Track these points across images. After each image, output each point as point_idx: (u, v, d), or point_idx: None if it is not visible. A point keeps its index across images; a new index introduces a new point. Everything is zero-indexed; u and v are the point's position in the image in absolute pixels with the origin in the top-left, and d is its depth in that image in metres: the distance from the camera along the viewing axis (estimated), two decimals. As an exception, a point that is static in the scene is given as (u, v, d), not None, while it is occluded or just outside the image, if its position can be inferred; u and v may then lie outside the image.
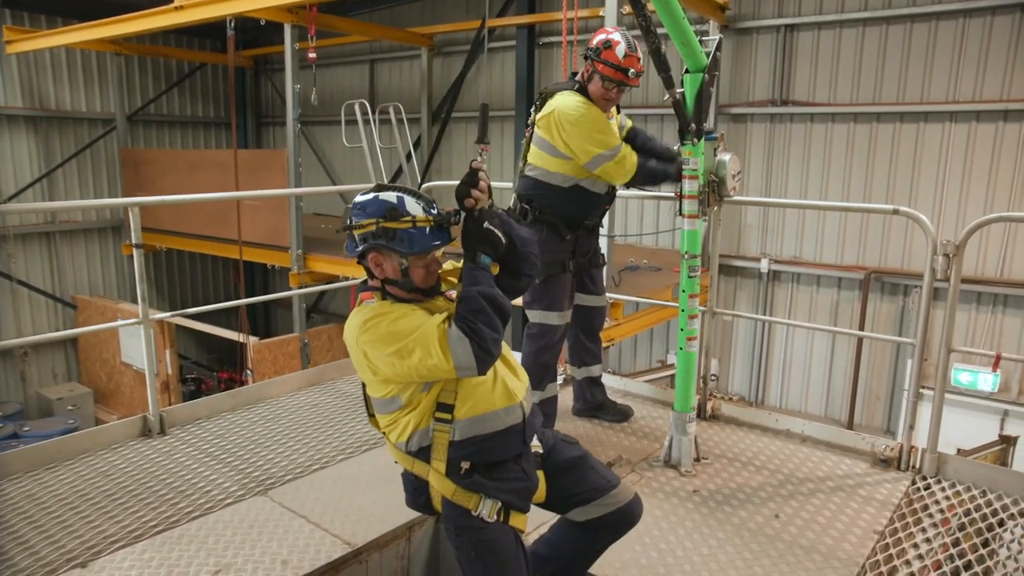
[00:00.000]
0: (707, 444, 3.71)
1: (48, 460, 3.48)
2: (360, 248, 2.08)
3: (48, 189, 12.09)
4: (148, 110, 13.41)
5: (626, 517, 2.33)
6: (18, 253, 11.74)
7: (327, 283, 9.77)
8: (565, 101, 3.40)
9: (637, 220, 9.71)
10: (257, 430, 3.91)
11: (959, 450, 4.63)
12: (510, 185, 3.91)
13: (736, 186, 3.49)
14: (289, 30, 8.90)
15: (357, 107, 9.55)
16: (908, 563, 2.73)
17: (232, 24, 8.52)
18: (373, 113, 9.74)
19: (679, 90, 3.21)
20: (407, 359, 1.96)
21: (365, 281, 2.19)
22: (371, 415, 2.27)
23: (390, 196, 2.06)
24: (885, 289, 8.07)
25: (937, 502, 3.15)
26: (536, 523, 2.44)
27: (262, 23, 10.17)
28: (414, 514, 2.97)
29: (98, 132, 12.60)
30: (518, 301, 3.34)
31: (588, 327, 3.94)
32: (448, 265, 2.26)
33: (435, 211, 2.06)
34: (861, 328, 8.05)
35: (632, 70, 3.33)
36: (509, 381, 2.17)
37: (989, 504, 3.10)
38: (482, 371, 1.98)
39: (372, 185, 2.16)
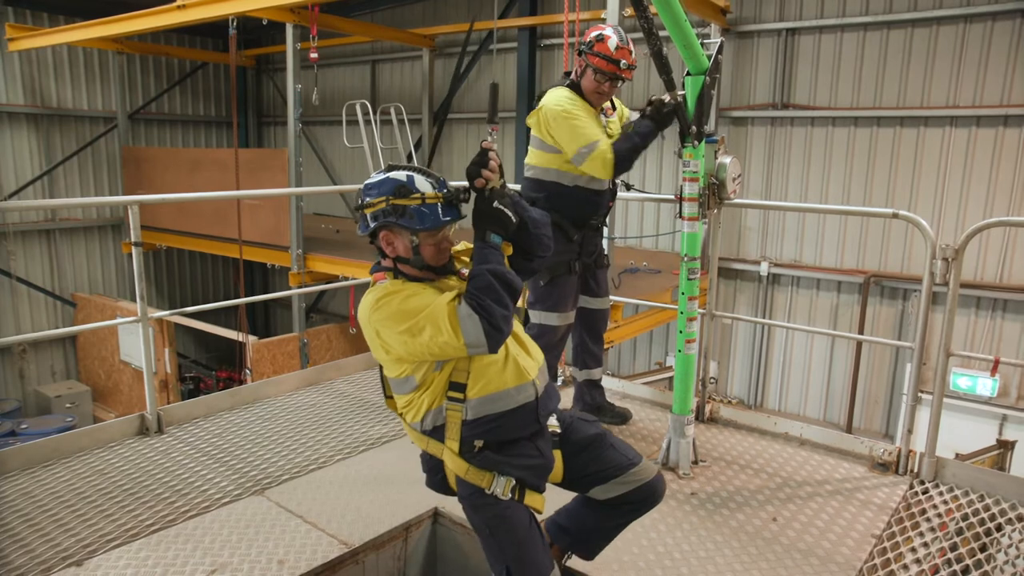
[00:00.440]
0: (705, 447, 3.71)
1: (45, 458, 3.47)
2: (372, 226, 2.09)
3: (49, 187, 12.11)
4: (149, 108, 13.43)
5: (649, 495, 2.28)
6: (18, 250, 11.75)
7: (327, 283, 9.78)
8: (552, 96, 3.46)
9: (637, 222, 9.71)
10: (255, 429, 3.91)
11: (957, 454, 4.62)
12: (510, 186, 3.89)
13: (736, 189, 3.49)
14: (291, 30, 8.93)
15: (358, 107, 9.57)
16: (906, 567, 2.72)
17: (234, 23, 8.52)
18: (374, 113, 9.76)
19: (680, 92, 3.24)
20: (418, 337, 1.98)
21: (379, 262, 2.20)
22: (388, 396, 2.28)
23: (400, 175, 2.08)
24: (884, 293, 8.08)
25: (935, 506, 3.15)
26: (555, 506, 2.40)
27: (264, 23, 10.20)
28: (411, 515, 2.99)
29: (99, 130, 12.61)
30: (520, 301, 3.33)
31: (592, 329, 3.93)
32: (462, 245, 2.26)
33: (445, 189, 2.08)
34: (860, 332, 8.06)
35: (624, 61, 3.36)
36: (521, 359, 2.17)
37: (987, 509, 3.09)
38: (493, 348, 1.98)
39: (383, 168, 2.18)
